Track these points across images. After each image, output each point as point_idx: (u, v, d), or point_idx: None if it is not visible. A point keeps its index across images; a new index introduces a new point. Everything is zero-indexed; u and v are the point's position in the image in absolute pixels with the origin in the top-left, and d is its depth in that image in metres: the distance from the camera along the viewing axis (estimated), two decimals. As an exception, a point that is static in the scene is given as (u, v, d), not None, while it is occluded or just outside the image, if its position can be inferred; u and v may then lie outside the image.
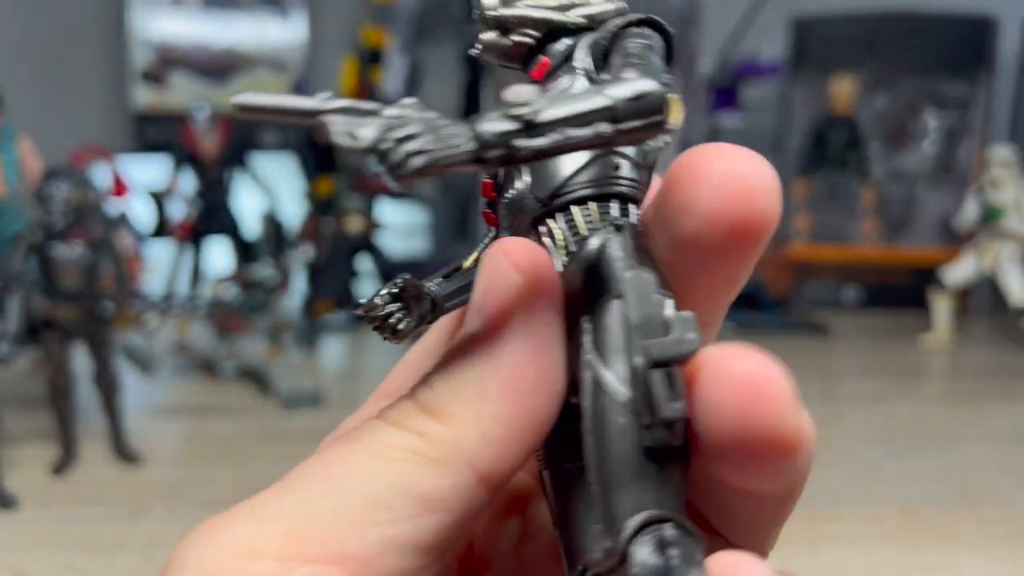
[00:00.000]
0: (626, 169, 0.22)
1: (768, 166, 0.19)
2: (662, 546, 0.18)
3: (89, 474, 0.82)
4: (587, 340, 0.20)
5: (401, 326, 0.24)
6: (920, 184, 1.50)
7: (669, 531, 0.18)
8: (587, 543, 0.21)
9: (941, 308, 1.27)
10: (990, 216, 1.26)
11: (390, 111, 0.19)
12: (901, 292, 1.44)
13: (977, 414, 1.01)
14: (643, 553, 0.18)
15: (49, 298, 0.80)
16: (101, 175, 1.20)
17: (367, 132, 0.18)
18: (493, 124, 0.19)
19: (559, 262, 0.21)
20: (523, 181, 0.22)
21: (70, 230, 0.80)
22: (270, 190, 1.34)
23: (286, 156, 1.45)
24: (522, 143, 0.19)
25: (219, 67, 1.56)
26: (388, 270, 1.29)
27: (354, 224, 1.26)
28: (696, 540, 0.18)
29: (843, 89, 1.45)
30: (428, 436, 0.19)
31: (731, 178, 0.19)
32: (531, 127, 0.19)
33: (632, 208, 0.22)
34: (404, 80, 1.46)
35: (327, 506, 0.19)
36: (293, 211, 1.36)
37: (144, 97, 1.54)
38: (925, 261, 1.42)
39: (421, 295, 0.24)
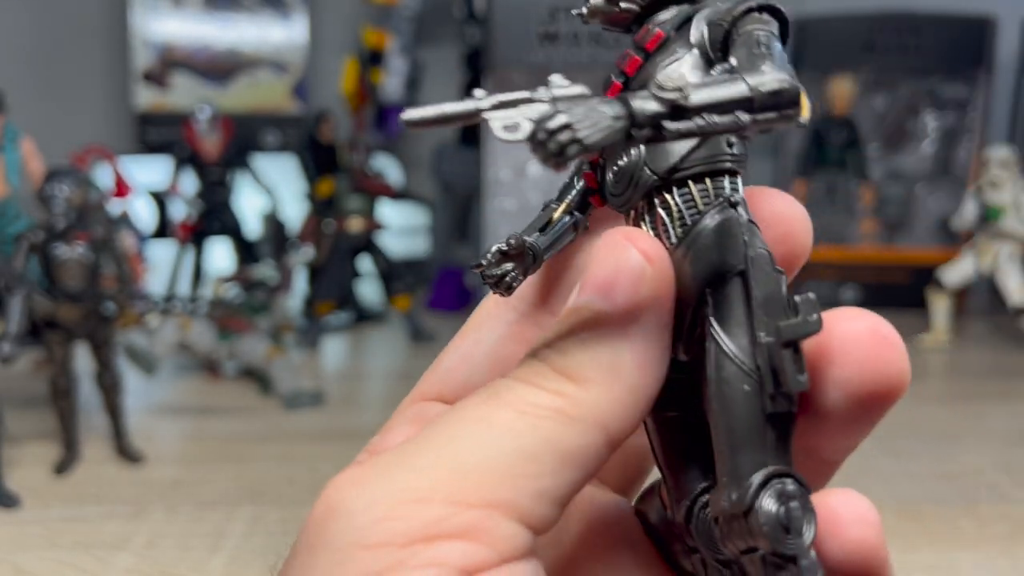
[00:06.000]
0: (738, 146, 0.24)
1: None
2: (784, 498, 0.21)
3: (91, 473, 0.82)
4: (711, 312, 0.23)
5: (514, 284, 0.26)
6: (919, 185, 1.51)
7: (790, 485, 0.21)
8: (690, 484, 0.24)
9: (939, 308, 1.28)
10: (989, 216, 1.26)
11: (541, 97, 0.21)
12: (899, 292, 1.44)
13: (975, 414, 1.01)
14: (768, 504, 0.21)
15: (51, 298, 0.81)
16: (103, 176, 1.20)
17: (524, 126, 0.20)
18: (645, 104, 0.20)
19: (674, 234, 0.24)
20: (637, 151, 0.24)
21: (72, 230, 0.81)
22: (271, 191, 1.35)
23: (287, 157, 1.45)
24: (670, 125, 0.20)
25: (220, 68, 1.56)
26: (389, 270, 1.29)
27: (355, 225, 1.26)
28: (808, 492, 0.22)
29: (842, 90, 1.46)
30: (568, 397, 0.21)
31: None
32: (679, 111, 0.20)
33: (739, 181, 0.24)
34: (405, 81, 1.47)
35: (480, 458, 0.20)
36: (294, 212, 1.37)
37: (145, 98, 1.54)
38: (924, 261, 1.42)
39: (524, 251, 0.26)
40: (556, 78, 0.22)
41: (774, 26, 0.24)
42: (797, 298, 0.22)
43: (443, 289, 1.45)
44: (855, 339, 0.22)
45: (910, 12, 1.44)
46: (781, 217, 0.25)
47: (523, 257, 0.26)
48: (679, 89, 0.20)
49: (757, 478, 0.21)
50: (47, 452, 0.85)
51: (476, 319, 0.28)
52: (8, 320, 0.78)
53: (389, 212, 1.38)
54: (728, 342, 0.22)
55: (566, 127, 0.19)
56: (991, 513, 0.76)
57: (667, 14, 0.25)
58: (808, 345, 0.22)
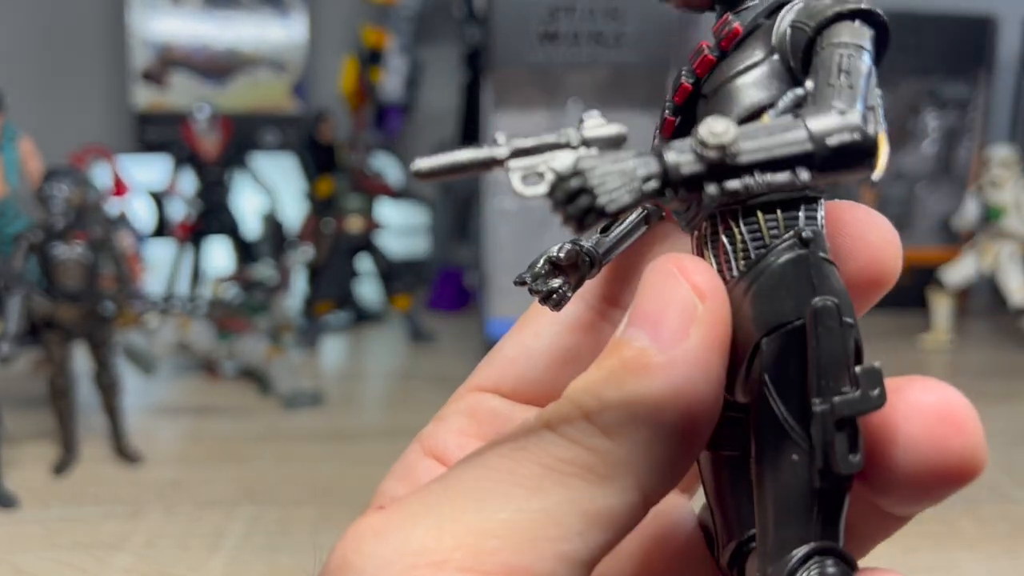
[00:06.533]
0: None
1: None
2: None
3: (89, 473, 0.82)
4: (766, 367, 0.20)
5: (564, 300, 0.24)
6: (920, 184, 1.50)
7: (831, 568, 0.19)
8: (739, 527, 0.22)
9: (940, 308, 1.27)
10: (990, 216, 1.26)
11: (569, 140, 0.18)
12: (900, 292, 1.43)
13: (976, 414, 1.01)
14: None
15: (50, 298, 0.81)
16: (101, 175, 1.20)
17: (544, 182, 0.18)
18: (682, 161, 0.18)
19: (736, 267, 0.21)
20: None
21: (71, 230, 0.81)
22: (270, 190, 1.35)
23: (286, 157, 1.45)
24: (711, 189, 0.18)
25: (219, 67, 1.56)
26: (389, 270, 1.29)
27: (354, 224, 1.26)
28: (853, 571, 0.19)
29: (843, 89, 1.45)
30: (600, 454, 0.19)
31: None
32: (724, 169, 0.18)
33: (819, 208, 0.22)
34: (404, 80, 1.47)
35: (501, 518, 0.19)
36: (293, 211, 1.37)
37: (144, 97, 1.54)
38: (924, 261, 1.41)
39: (579, 259, 0.24)
40: (590, 116, 0.19)
41: (867, 38, 0.21)
42: (858, 369, 0.20)
43: (443, 289, 1.45)
44: (921, 418, 0.20)
45: (910, 12, 1.44)
46: (867, 243, 0.22)
47: (577, 267, 0.24)
48: (722, 147, 0.17)
49: (798, 553, 0.19)
50: (46, 452, 0.85)
51: (536, 307, 0.26)
52: (7, 320, 0.78)
53: (389, 212, 1.37)
54: (780, 403, 0.20)
55: (586, 191, 0.17)
56: (992, 513, 0.76)
57: (750, 1, 0.22)
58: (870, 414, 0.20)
